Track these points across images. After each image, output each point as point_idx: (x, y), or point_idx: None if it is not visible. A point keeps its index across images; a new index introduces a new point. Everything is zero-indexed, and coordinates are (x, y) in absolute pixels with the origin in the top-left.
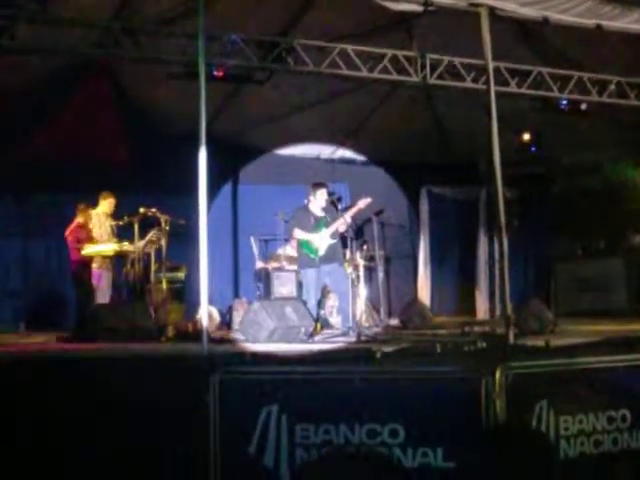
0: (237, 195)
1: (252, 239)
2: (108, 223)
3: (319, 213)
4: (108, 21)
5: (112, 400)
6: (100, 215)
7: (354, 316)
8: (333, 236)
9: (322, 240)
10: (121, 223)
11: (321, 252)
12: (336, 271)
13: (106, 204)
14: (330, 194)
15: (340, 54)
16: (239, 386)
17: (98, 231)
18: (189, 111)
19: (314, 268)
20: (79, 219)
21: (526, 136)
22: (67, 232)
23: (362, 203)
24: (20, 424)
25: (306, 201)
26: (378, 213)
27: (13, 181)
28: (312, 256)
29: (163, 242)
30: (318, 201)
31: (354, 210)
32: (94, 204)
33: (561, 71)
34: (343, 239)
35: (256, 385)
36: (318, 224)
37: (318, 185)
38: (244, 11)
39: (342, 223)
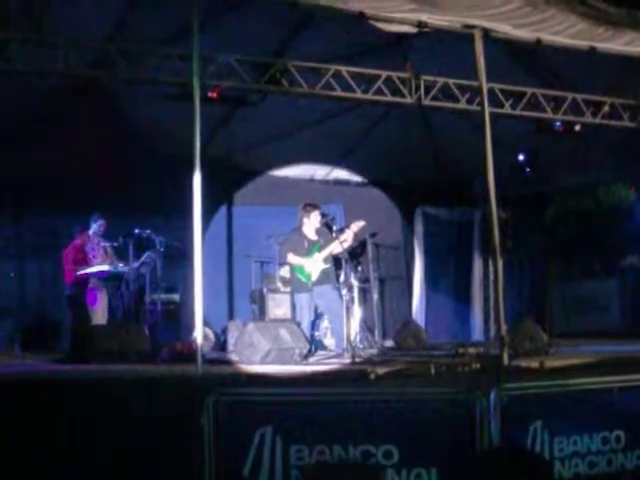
0: (232, 217)
1: (252, 262)
2: (102, 244)
3: (312, 236)
4: (103, 42)
5: (106, 422)
6: (92, 237)
7: (348, 337)
8: (326, 261)
9: (315, 265)
10: (116, 244)
11: (314, 277)
12: (328, 293)
13: (96, 226)
14: (324, 215)
15: (334, 75)
16: (233, 407)
17: (92, 253)
18: (184, 132)
19: (306, 292)
20: (77, 241)
21: (521, 157)
22: (64, 253)
23: (355, 227)
24: (15, 444)
25: (299, 224)
26: (372, 235)
27: (9, 202)
28: (305, 281)
29: (158, 264)
30: (312, 223)
31: (347, 235)
32: (89, 226)
33: (555, 92)
34: (337, 261)
35: (250, 406)
36: (311, 248)
37: (311, 207)
38: (238, 33)
39: (335, 246)
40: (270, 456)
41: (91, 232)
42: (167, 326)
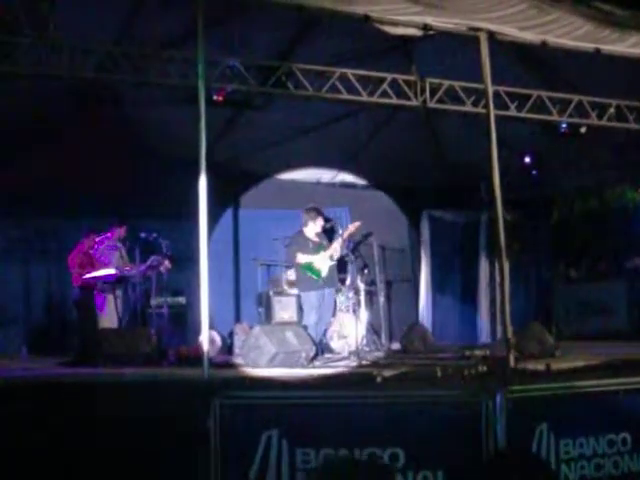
0: (238, 220)
1: (257, 265)
2: (117, 247)
3: (315, 238)
4: (109, 45)
5: (113, 425)
6: (102, 240)
7: (355, 340)
8: (332, 258)
9: (324, 262)
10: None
11: (324, 274)
12: (329, 297)
13: (116, 232)
14: (327, 220)
15: (340, 78)
16: (240, 411)
17: (103, 257)
18: (189, 135)
19: (316, 290)
20: (82, 245)
21: (527, 159)
22: (69, 258)
23: (352, 227)
24: (22, 446)
25: (303, 226)
26: (366, 236)
27: (14, 206)
28: (315, 278)
29: (164, 267)
30: (315, 227)
31: (346, 235)
32: (97, 230)
33: (560, 94)
34: (343, 263)
35: (257, 410)
36: (317, 248)
37: (316, 213)
38: (243, 36)
39: (337, 246)
40: (276, 459)
41: (105, 235)
42: (173, 329)
